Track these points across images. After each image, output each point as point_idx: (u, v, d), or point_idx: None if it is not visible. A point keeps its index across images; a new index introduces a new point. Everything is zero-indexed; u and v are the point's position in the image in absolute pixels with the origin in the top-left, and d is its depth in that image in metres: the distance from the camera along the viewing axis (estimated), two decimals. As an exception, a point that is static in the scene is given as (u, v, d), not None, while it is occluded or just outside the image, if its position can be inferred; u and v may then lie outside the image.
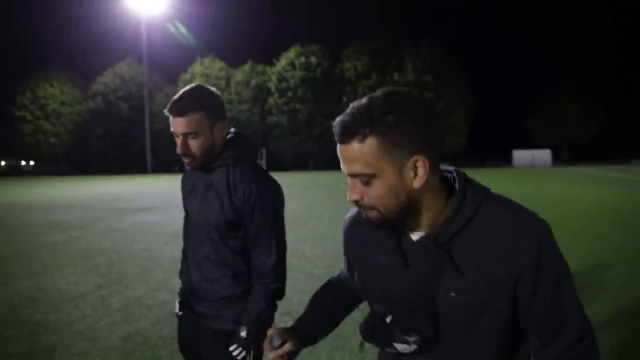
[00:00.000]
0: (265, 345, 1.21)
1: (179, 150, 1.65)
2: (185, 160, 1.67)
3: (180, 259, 1.87)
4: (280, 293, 1.73)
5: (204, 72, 53.30)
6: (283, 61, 52.77)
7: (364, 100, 0.96)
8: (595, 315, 3.95)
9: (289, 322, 3.95)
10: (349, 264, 1.26)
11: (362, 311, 1.34)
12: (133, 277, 5.65)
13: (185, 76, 52.69)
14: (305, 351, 1.37)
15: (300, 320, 1.30)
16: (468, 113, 51.51)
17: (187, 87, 1.66)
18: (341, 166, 0.99)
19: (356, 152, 0.94)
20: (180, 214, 1.87)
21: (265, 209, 1.66)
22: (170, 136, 1.71)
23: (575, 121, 54.48)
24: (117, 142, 53.89)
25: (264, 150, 45.89)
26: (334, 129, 0.97)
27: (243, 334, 1.65)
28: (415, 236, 1.04)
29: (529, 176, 27.67)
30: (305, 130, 50.93)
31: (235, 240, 1.70)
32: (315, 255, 6.68)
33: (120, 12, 62.13)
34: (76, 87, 56.73)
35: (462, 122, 50.24)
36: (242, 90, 53.00)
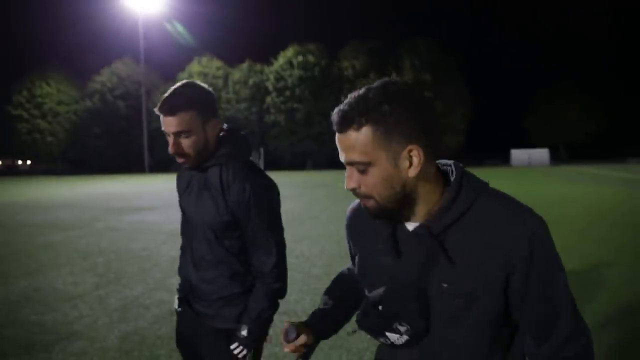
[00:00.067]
0: (281, 339, 1.22)
1: (170, 150, 1.60)
2: (179, 160, 1.63)
3: (179, 256, 1.86)
4: (281, 292, 1.72)
5: (202, 70, 53.20)
6: (281, 60, 52.70)
7: (362, 90, 0.98)
8: (595, 315, 3.96)
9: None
10: (352, 254, 1.28)
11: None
12: (131, 276, 5.64)
13: (183, 75, 52.53)
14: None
15: (314, 314, 1.30)
16: (466, 112, 51.53)
17: (178, 84, 1.61)
18: (339, 155, 1.01)
19: (353, 141, 0.97)
20: (178, 213, 1.87)
21: (260, 208, 1.63)
22: None
23: (572, 121, 54.60)
24: (114, 141, 53.71)
25: (261, 150, 45.87)
26: (332, 119, 0.99)
27: (244, 332, 1.64)
28: (410, 226, 1.05)
29: (527, 175, 27.71)
30: (303, 130, 50.89)
31: (232, 240, 1.68)
32: (314, 254, 6.67)
33: (118, 11, 61.72)
34: (73, 86, 56.48)
35: (459, 121, 50.25)
36: (240, 89, 52.93)
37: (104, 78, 54.74)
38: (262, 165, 43.34)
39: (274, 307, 1.71)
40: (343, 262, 6.12)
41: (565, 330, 0.99)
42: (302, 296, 4.65)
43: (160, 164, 50.29)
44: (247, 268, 1.72)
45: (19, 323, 4.10)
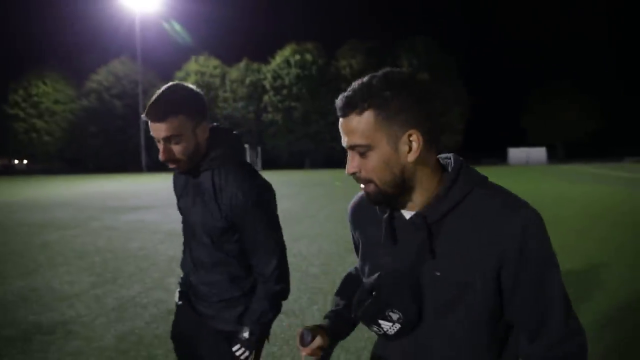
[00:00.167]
0: (297, 344, 1.22)
1: (161, 157, 1.52)
2: (170, 166, 1.57)
3: (176, 255, 1.84)
4: (284, 294, 1.70)
5: (199, 69, 53.18)
6: (278, 59, 52.70)
7: (365, 78, 1.02)
8: (595, 314, 3.96)
9: (284, 321, 3.94)
10: (355, 245, 1.30)
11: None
12: (128, 276, 5.61)
13: (180, 74, 52.48)
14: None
15: (328, 317, 1.31)
16: (464, 111, 51.65)
17: (165, 87, 1.52)
18: (342, 140, 1.04)
19: (354, 124, 1.00)
20: (176, 213, 1.85)
21: (256, 210, 1.59)
22: None
23: (569, 120, 54.82)
24: (111, 140, 53.62)
25: (259, 148, 45.81)
26: (336, 104, 1.03)
27: (245, 334, 1.62)
28: (407, 214, 1.07)
29: (525, 174, 27.79)
30: (300, 128, 50.91)
31: (230, 244, 1.65)
32: (311, 253, 6.66)
33: (114, 10, 61.50)
34: (70, 85, 56.38)
35: (457, 120, 50.37)
36: (237, 88, 52.91)
37: (100, 77, 54.62)
38: (259, 164, 43.28)
39: (276, 309, 1.69)
40: (341, 261, 6.11)
41: (557, 329, 0.98)
42: (300, 295, 4.64)
43: (158, 163, 49.62)
44: (247, 271, 1.69)
45: (15, 323, 4.08)
